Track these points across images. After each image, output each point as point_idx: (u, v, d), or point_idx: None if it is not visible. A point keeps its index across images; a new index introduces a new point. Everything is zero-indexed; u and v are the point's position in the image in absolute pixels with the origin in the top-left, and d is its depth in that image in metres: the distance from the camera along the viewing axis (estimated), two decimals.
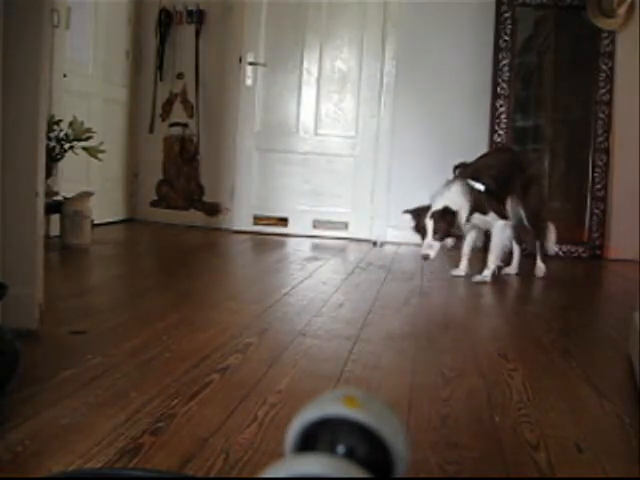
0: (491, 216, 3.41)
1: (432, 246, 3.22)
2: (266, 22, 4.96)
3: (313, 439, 0.74)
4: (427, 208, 3.26)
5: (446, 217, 3.21)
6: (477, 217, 3.39)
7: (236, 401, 1.47)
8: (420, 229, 3.28)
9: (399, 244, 4.76)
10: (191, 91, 5.14)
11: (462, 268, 3.51)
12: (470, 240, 3.54)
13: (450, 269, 3.56)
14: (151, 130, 5.26)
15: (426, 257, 3.25)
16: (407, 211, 3.37)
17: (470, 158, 3.60)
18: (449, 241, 3.36)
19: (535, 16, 4.79)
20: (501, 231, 3.41)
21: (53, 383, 1.52)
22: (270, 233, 4.95)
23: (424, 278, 3.38)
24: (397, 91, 4.89)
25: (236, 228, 4.99)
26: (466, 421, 1.45)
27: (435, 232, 3.21)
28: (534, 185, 3.60)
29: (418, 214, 3.30)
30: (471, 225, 3.44)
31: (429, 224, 3.22)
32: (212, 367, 1.70)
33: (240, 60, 4.96)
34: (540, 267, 3.66)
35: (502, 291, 3.38)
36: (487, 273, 3.38)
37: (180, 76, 5.19)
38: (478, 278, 3.37)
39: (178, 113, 5.21)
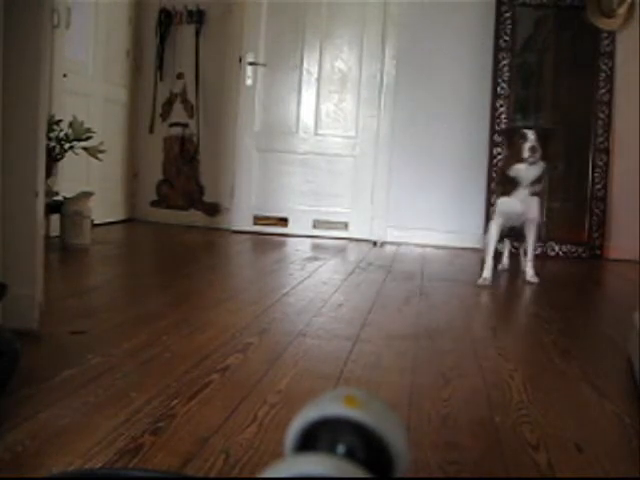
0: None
1: None
2: (266, 22, 4.96)
3: (313, 439, 0.74)
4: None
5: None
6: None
7: (236, 401, 1.47)
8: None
9: (399, 244, 4.76)
10: (191, 91, 5.14)
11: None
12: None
13: None
14: (151, 130, 5.25)
15: None
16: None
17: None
18: None
19: (535, 16, 4.79)
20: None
21: (53, 383, 1.52)
22: (270, 233, 4.95)
23: (424, 278, 3.38)
24: (397, 91, 4.89)
25: (236, 228, 4.99)
26: (466, 421, 1.45)
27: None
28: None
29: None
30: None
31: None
32: (212, 367, 1.70)
33: (240, 60, 4.96)
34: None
35: (502, 291, 3.38)
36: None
37: (180, 76, 5.18)
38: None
39: (178, 113, 5.21)
